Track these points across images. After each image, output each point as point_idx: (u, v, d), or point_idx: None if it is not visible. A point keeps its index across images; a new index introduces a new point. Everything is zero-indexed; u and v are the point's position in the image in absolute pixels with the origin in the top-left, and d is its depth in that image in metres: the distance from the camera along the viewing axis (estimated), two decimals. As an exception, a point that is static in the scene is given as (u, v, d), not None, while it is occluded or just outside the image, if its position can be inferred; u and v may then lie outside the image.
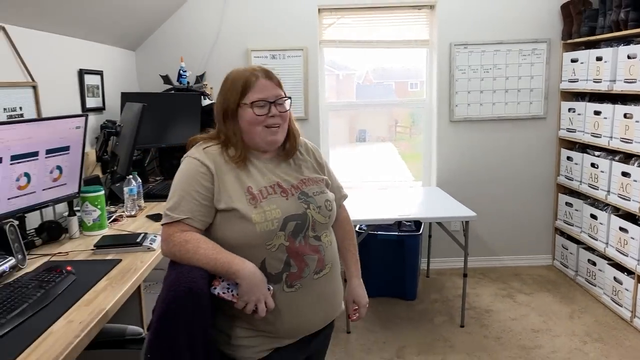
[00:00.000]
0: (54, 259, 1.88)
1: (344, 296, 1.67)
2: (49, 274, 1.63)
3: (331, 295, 1.53)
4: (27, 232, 2.03)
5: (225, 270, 1.32)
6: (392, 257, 3.39)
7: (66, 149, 1.96)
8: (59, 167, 1.94)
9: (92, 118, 2.91)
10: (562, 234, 3.86)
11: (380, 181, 4.05)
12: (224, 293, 1.34)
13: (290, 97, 1.52)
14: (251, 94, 1.45)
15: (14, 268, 1.71)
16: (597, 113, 3.31)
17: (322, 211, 1.49)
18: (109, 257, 1.90)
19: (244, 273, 1.32)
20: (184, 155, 1.49)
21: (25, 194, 1.81)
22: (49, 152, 1.86)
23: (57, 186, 1.96)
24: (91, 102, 2.87)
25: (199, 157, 1.43)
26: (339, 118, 4.10)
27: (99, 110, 2.98)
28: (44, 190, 1.89)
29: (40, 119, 1.91)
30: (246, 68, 1.50)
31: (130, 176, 2.53)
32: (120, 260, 1.85)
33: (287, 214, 1.41)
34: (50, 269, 1.68)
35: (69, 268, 1.69)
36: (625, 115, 3.02)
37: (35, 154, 1.81)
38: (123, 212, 2.51)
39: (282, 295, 1.40)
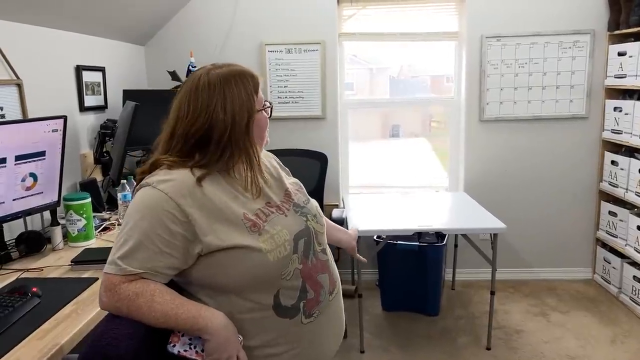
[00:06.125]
0: (26, 275, 1.71)
1: (348, 245, 1.67)
2: (10, 297, 1.46)
3: (341, 316, 1.36)
4: (7, 243, 1.88)
5: (190, 326, 1.08)
6: (413, 268, 3.12)
7: (41, 154, 1.78)
8: (32, 175, 1.76)
9: (93, 117, 2.75)
10: (605, 245, 3.49)
11: (405, 186, 3.76)
12: (185, 351, 1.10)
13: None
14: (258, 94, 1.24)
15: (-25, 288, 1.55)
16: (647, 113, 2.94)
17: (318, 219, 1.32)
18: (86, 274, 1.72)
19: (215, 327, 1.09)
20: (140, 184, 1.16)
21: (-11, 206, 1.65)
22: (19, 158, 1.69)
23: (31, 195, 1.78)
24: (91, 101, 2.71)
25: (166, 189, 1.10)
26: (372, 113, 3.86)
27: (100, 109, 2.82)
28: (14, 200, 1.72)
29: (5, 122, 1.73)
30: (219, 66, 1.22)
31: (125, 181, 2.36)
32: (96, 280, 1.66)
33: (294, 233, 1.21)
34: (14, 289, 1.51)
35: (34, 289, 1.51)
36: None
37: (1, 160, 1.63)
38: (117, 219, 2.34)
39: (301, 328, 1.18)
